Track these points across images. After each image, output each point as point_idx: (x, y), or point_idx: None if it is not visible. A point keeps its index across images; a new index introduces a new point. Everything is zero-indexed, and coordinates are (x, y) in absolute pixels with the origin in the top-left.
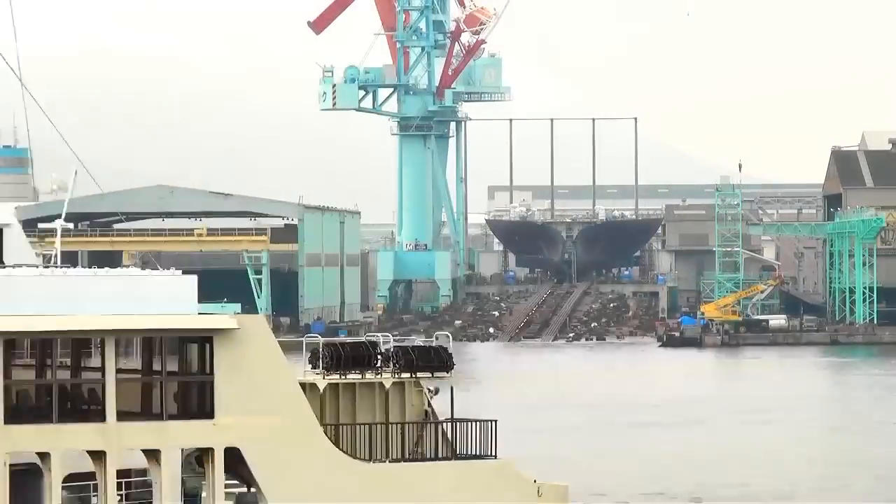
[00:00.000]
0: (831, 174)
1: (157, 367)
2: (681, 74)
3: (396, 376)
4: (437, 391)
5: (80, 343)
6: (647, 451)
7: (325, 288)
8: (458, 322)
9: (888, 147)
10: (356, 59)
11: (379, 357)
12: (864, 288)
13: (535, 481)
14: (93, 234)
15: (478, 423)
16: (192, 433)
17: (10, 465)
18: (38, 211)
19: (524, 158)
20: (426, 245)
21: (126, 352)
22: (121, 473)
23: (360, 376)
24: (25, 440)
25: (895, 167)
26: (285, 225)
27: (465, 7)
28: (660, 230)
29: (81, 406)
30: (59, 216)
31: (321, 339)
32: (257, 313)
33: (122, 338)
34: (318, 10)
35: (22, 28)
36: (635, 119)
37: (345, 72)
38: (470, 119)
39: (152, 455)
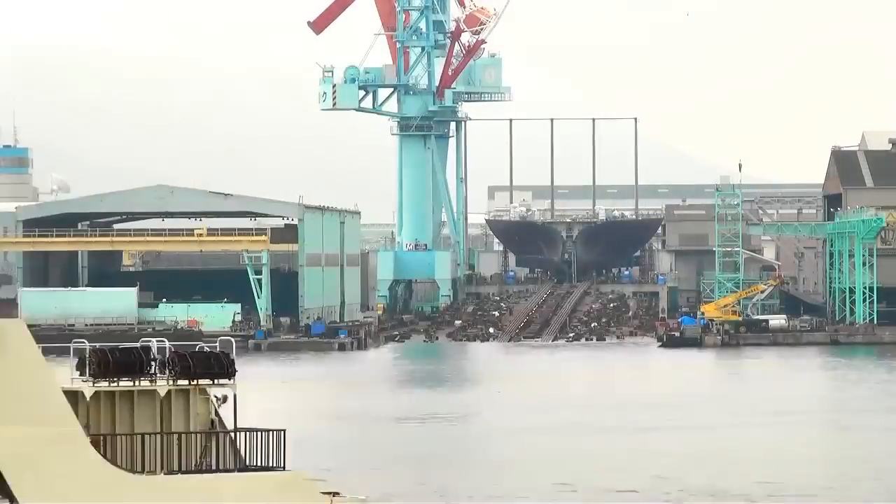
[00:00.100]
0: (831, 174)
1: None
2: (681, 74)
3: (173, 383)
4: (224, 399)
5: None
6: (646, 451)
7: (325, 288)
8: (458, 322)
9: (888, 147)
10: (356, 59)
11: (153, 363)
12: (864, 288)
13: (332, 493)
14: (93, 234)
15: (265, 433)
16: None
17: None
18: (38, 211)
19: (524, 158)
20: (426, 245)
21: None
22: None
23: (131, 383)
24: None
25: (895, 167)
26: (285, 225)
27: (465, 7)
28: (660, 230)
29: None
30: (58, 216)
31: (88, 346)
32: (258, 313)
33: None
34: (318, 10)
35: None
36: (635, 119)
37: (345, 72)
38: (470, 119)
39: None
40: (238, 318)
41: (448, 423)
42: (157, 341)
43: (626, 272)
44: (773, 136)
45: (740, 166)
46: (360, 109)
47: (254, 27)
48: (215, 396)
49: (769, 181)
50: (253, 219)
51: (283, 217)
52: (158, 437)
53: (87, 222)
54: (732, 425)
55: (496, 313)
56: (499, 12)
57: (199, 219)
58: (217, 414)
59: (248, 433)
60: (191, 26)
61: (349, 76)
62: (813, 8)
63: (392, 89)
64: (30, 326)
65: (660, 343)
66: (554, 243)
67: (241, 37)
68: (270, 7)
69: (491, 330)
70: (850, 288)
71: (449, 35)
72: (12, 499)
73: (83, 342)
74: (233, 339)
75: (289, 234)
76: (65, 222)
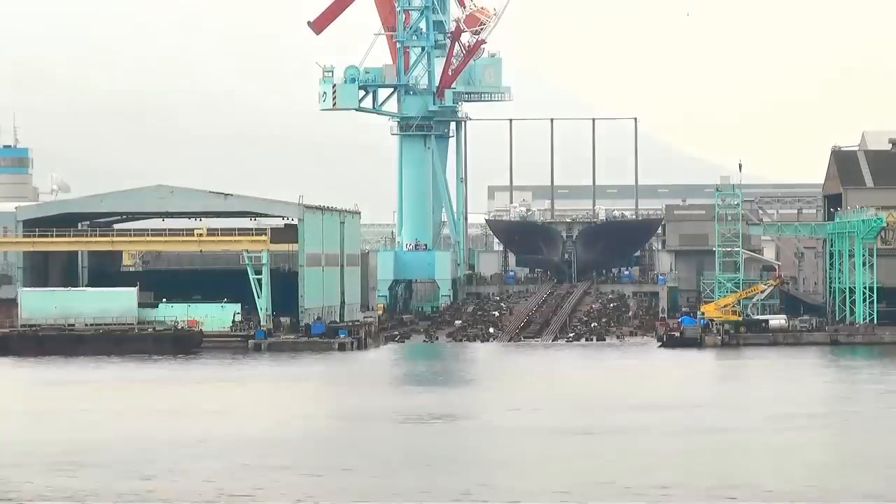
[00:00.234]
0: (831, 174)
1: None
2: (681, 74)
3: None
4: None
5: None
6: (650, 451)
7: (325, 288)
8: (458, 322)
9: (888, 147)
10: (356, 59)
11: None
12: (864, 288)
13: None
14: (93, 234)
15: None
16: None
17: None
18: (38, 211)
19: (524, 158)
20: (426, 245)
21: None
22: None
23: None
24: None
25: (895, 167)
26: (285, 225)
27: (465, 7)
28: (660, 230)
29: None
30: (58, 216)
31: None
32: (258, 313)
33: None
34: (318, 10)
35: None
36: (635, 119)
37: (345, 72)
38: (470, 119)
39: None
40: (238, 318)
41: (448, 423)
42: None
43: (626, 272)
44: (773, 136)
45: (740, 166)
46: (360, 109)
47: (254, 27)
48: None
49: (769, 181)
50: (253, 219)
51: (283, 217)
52: None
53: (87, 222)
54: (733, 425)
55: (496, 313)
56: (499, 12)
57: (199, 219)
58: None
59: None
60: (191, 26)
61: (349, 76)
62: (813, 8)
63: (392, 89)
64: (30, 326)
65: (660, 343)
66: (554, 243)
67: (241, 36)
68: (270, 7)
69: (491, 330)
70: (850, 288)
71: (449, 35)
72: None
73: None
74: None
75: (289, 234)
76: (65, 222)
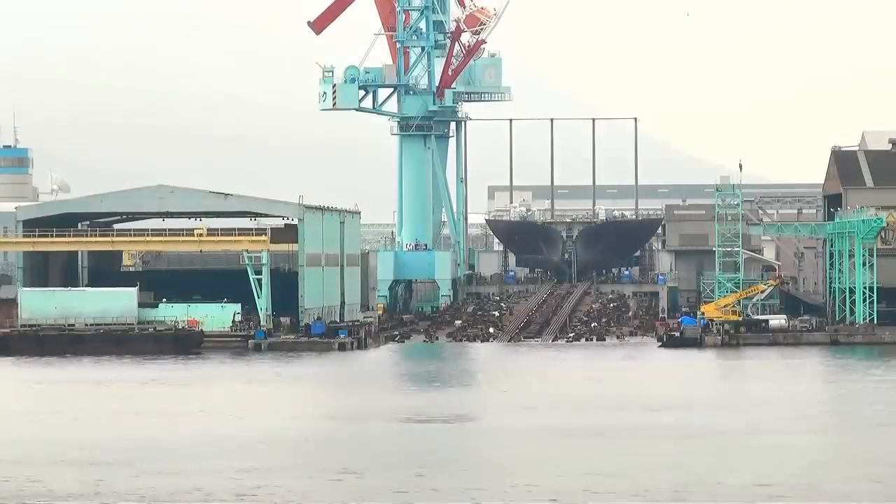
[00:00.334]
0: (831, 174)
1: None
2: (681, 74)
3: None
4: None
5: None
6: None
7: (325, 288)
8: (458, 322)
9: (888, 147)
10: (356, 59)
11: None
12: (864, 288)
13: None
14: (93, 234)
15: None
16: None
17: None
18: (38, 211)
19: (524, 158)
20: (426, 245)
21: None
22: None
23: None
24: None
25: (895, 167)
26: (285, 225)
27: (465, 7)
28: (660, 230)
29: None
30: (58, 216)
31: None
32: (258, 313)
33: None
34: (318, 10)
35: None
36: (635, 119)
37: (345, 72)
38: (470, 119)
39: None
40: (238, 318)
41: (448, 423)
42: None
43: (626, 272)
44: (773, 136)
45: (740, 166)
46: (360, 109)
47: (254, 27)
48: None
49: (769, 181)
50: (253, 219)
51: (283, 217)
52: None
53: (87, 222)
54: (733, 424)
55: (496, 313)
56: (499, 12)
57: (199, 219)
58: None
59: None
60: (191, 26)
61: (349, 76)
62: (813, 8)
63: (392, 89)
64: (30, 326)
65: (660, 343)
66: (554, 243)
67: (241, 36)
68: (270, 7)
69: (491, 330)
70: (850, 288)
71: (449, 35)
72: None
73: None
74: None
75: (289, 234)
76: (65, 222)
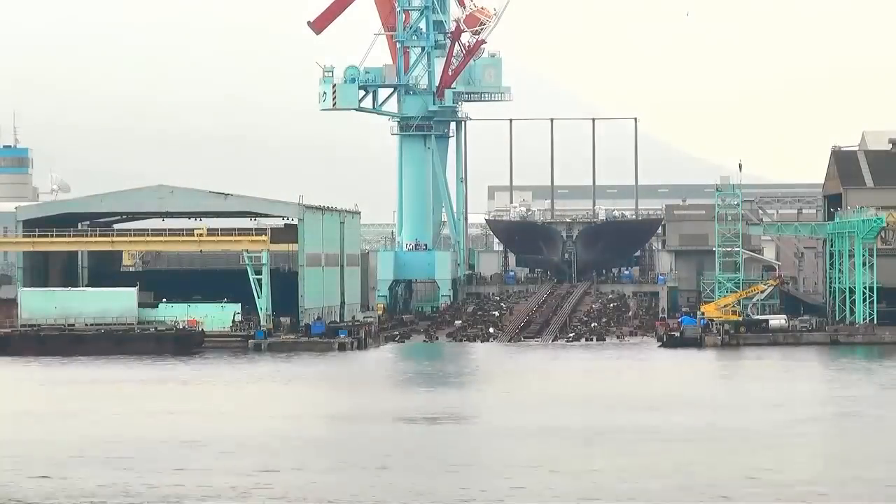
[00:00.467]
0: (831, 174)
1: None
2: (681, 74)
3: None
4: None
5: None
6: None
7: (325, 288)
8: (458, 322)
9: (888, 147)
10: (356, 59)
11: None
12: (864, 288)
13: None
14: (93, 234)
15: None
16: None
17: None
18: (38, 211)
19: (524, 158)
20: (426, 245)
21: None
22: None
23: None
24: None
25: (895, 167)
26: (285, 225)
27: (465, 7)
28: (660, 230)
29: None
30: (58, 216)
31: None
32: (258, 313)
33: None
34: (318, 10)
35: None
36: (635, 119)
37: (345, 72)
38: (470, 119)
39: None
40: (238, 318)
41: (447, 423)
42: None
43: (626, 272)
44: (773, 136)
45: (740, 166)
46: (360, 109)
47: (254, 27)
48: None
49: (769, 181)
50: (253, 219)
51: (283, 217)
52: None
53: (87, 222)
54: (733, 424)
55: (496, 313)
56: (499, 12)
57: (199, 219)
58: None
59: None
60: (191, 26)
61: (349, 76)
62: (813, 8)
63: (392, 89)
64: (31, 326)
65: (660, 343)
66: (554, 243)
67: (242, 36)
68: (270, 7)
69: (491, 330)
70: (850, 288)
71: (449, 35)
72: None
73: None
74: None
75: (289, 234)
76: (65, 222)
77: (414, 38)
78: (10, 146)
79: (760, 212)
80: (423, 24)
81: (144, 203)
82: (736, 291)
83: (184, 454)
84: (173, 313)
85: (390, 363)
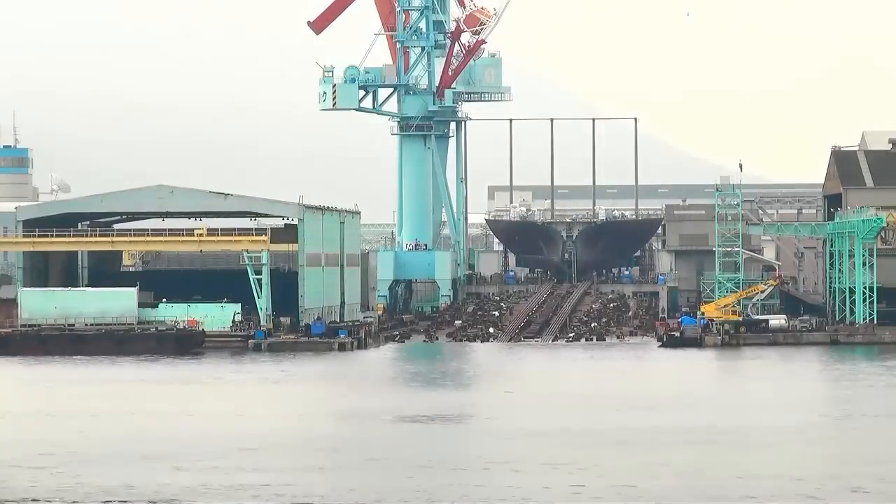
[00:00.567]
0: (831, 174)
1: None
2: (681, 74)
3: None
4: None
5: None
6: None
7: (325, 288)
8: (458, 322)
9: (888, 147)
10: (356, 59)
11: None
12: (864, 288)
13: None
14: (93, 234)
15: None
16: None
17: None
18: (38, 211)
19: (524, 158)
20: (426, 245)
21: None
22: None
23: None
24: None
25: (895, 167)
26: (285, 225)
27: (465, 7)
28: (660, 230)
29: None
30: (58, 216)
31: None
32: (258, 313)
33: None
34: (318, 10)
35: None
36: (635, 119)
37: (345, 72)
38: (470, 119)
39: None
40: (238, 318)
41: (448, 423)
42: None
43: (626, 272)
44: (773, 136)
45: (740, 166)
46: (360, 109)
47: (254, 28)
48: None
49: (769, 181)
50: (253, 219)
51: (283, 217)
52: None
53: (87, 222)
54: (733, 424)
55: (496, 313)
56: (499, 12)
57: (199, 219)
58: None
59: None
60: (191, 27)
61: (349, 76)
62: (813, 8)
63: (392, 89)
64: (31, 326)
65: (660, 343)
66: (554, 243)
67: (242, 37)
68: (270, 7)
69: (491, 330)
70: (850, 288)
71: (449, 35)
72: None
73: None
74: None
75: (289, 234)
76: (65, 222)
77: (414, 38)
78: (10, 146)
79: (760, 212)
80: (423, 24)
81: (144, 203)
82: (736, 291)
83: (184, 454)
84: (173, 313)
85: (390, 363)
